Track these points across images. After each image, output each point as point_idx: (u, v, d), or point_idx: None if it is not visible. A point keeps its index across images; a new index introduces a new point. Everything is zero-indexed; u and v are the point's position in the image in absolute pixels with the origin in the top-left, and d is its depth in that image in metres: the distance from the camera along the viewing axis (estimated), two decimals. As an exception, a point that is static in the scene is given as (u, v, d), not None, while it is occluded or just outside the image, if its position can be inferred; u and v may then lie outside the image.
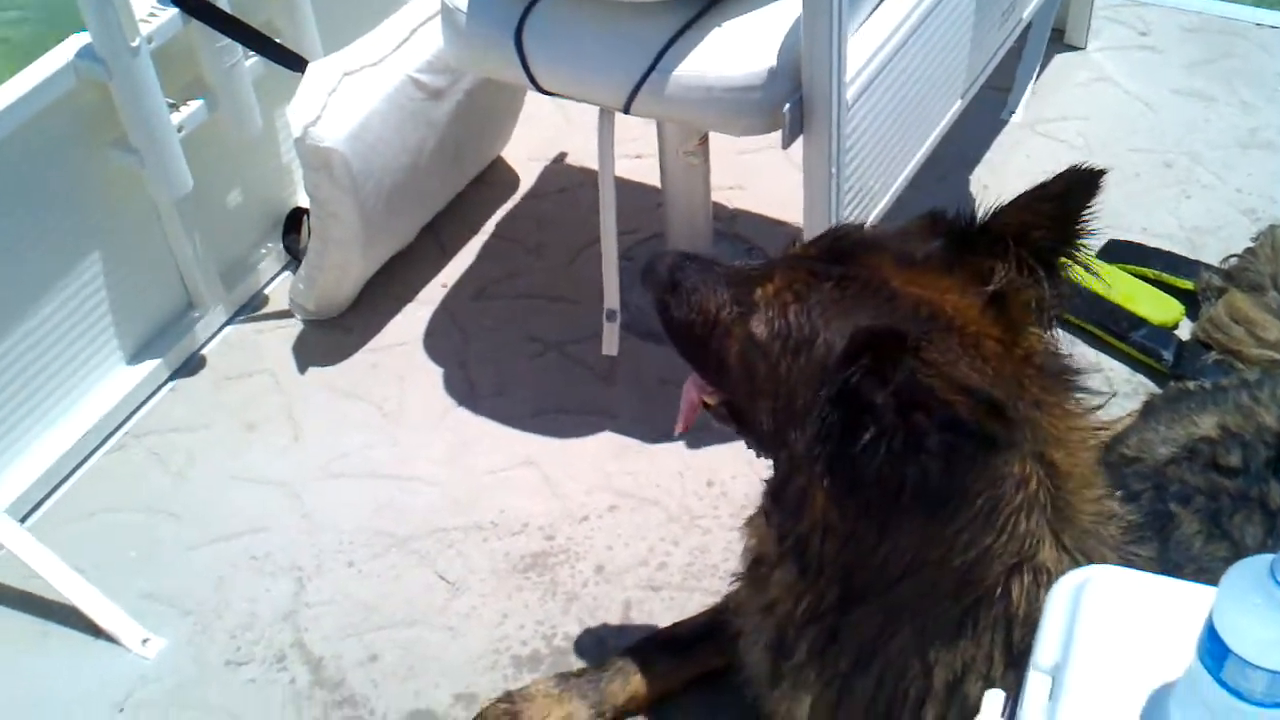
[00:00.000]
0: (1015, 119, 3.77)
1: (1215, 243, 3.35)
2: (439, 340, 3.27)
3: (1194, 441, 2.32)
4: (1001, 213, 1.76)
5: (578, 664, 2.58)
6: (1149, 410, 2.63)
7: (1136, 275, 3.23)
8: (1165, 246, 3.33)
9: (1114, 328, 3.10)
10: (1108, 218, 3.46)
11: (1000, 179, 3.60)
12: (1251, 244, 3.15)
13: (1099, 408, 1.81)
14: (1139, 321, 3.09)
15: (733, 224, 3.52)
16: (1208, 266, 3.19)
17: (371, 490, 2.95)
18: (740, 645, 2.11)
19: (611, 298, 2.93)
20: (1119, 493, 1.97)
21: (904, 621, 1.76)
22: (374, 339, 3.29)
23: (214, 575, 2.80)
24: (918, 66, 2.77)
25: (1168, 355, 3.00)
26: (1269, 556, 1.23)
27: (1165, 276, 3.22)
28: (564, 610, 2.68)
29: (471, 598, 2.72)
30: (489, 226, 3.58)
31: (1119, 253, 3.29)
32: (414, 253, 3.45)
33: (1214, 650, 1.23)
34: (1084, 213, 1.76)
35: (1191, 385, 2.66)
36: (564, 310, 3.30)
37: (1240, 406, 2.36)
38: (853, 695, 1.83)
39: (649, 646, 2.49)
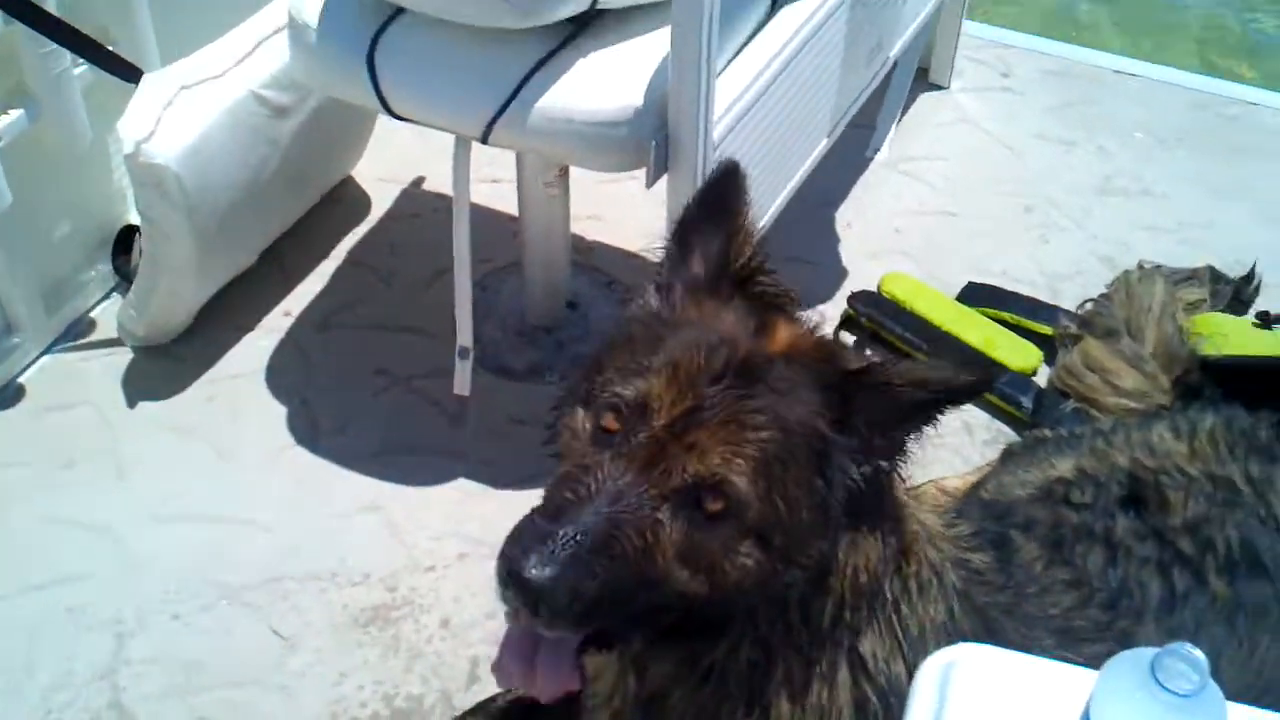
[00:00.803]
0: (880, 157, 3.70)
1: (1073, 288, 3.35)
2: (280, 373, 3.09)
3: (1050, 483, 2.34)
4: (724, 258, 1.68)
5: (420, 727, 2.44)
6: (1007, 457, 2.62)
7: (995, 319, 3.22)
8: (1024, 291, 3.32)
9: (918, 341, 3.11)
10: (968, 260, 3.53)
11: (864, 217, 3.57)
12: (1105, 290, 3.16)
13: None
14: (998, 368, 3.06)
15: (590, 255, 3.41)
16: (1065, 313, 3.19)
17: (202, 535, 2.76)
18: None
19: (464, 334, 2.79)
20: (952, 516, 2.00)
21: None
22: (210, 370, 3.09)
23: (25, 628, 2.57)
24: (786, 105, 2.70)
25: (1027, 403, 2.98)
26: (1150, 651, 1.17)
27: (1024, 321, 3.21)
28: (407, 668, 2.53)
29: (307, 655, 2.55)
30: (338, 252, 3.41)
31: (978, 296, 3.28)
32: (255, 277, 3.26)
33: (1089, 749, 1.18)
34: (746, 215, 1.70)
35: (1049, 433, 2.65)
36: (414, 342, 3.15)
37: (1095, 451, 2.37)
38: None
39: (494, 714, 2.35)
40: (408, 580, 2.68)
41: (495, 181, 3.39)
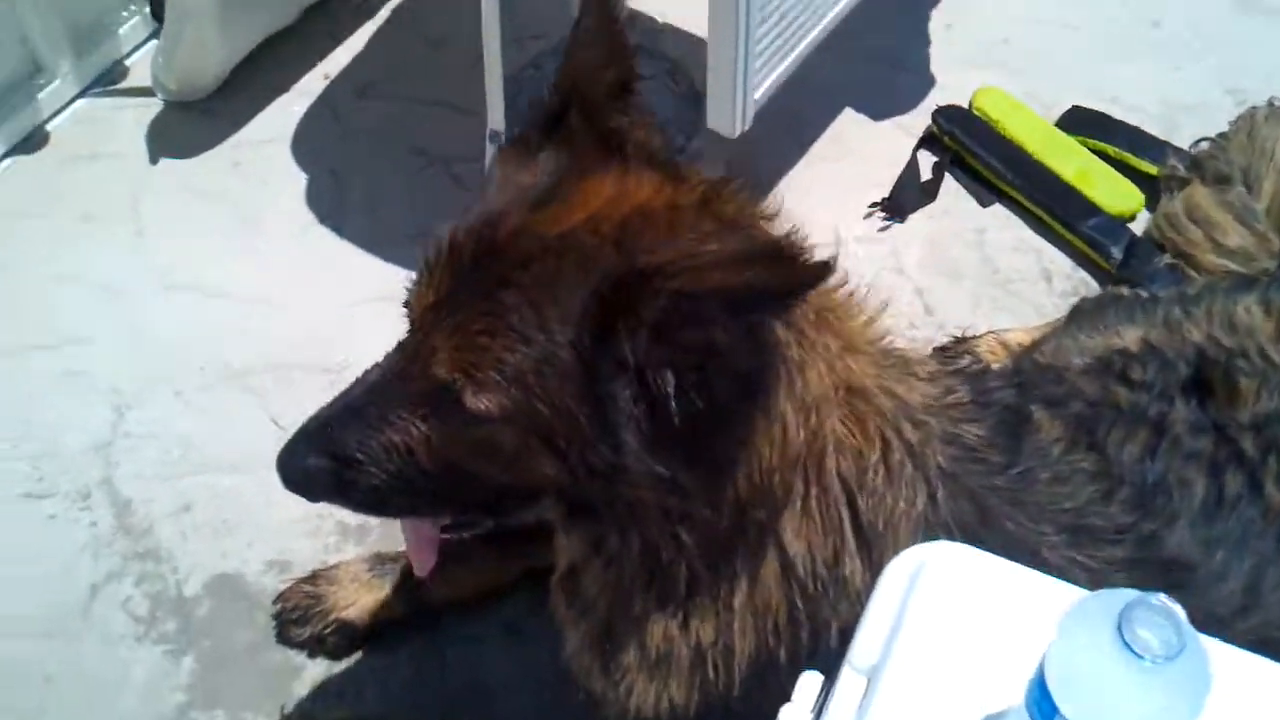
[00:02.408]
0: (998, -48, 3.34)
1: (1192, 123, 2.97)
2: (312, 141, 2.90)
3: (1110, 353, 2.05)
4: (563, 79, 1.47)
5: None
6: (1075, 315, 2.36)
7: (1097, 152, 2.89)
8: (1136, 122, 2.96)
9: (1062, 212, 2.77)
10: (1078, 81, 3.18)
11: (966, 19, 3.20)
12: (1227, 129, 2.79)
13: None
14: (1091, 208, 2.76)
15: (657, 40, 3.12)
16: (1176, 151, 2.84)
17: (213, 309, 2.63)
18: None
19: (495, 115, 2.56)
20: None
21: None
22: (241, 131, 2.92)
23: (22, 390, 2.51)
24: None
25: (1117, 252, 2.69)
26: (1121, 596, 0.96)
27: (1128, 157, 2.87)
28: (404, 473, 2.41)
29: (304, 447, 2.44)
30: (386, 10, 3.16)
31: (1081, 123, 2.94)
32: (299, 34, 3.04)
33: (1042, 706, 1.00)
34: (621, 27, 1.48)
35: (1126, 291, 2.37)
36: (458, 120, 2.92)
37: (1169, 321, 2.08)
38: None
39: (477, 537, 2.22)
40: (417, 380, 2.53)
41: (563, -53, 3.08)
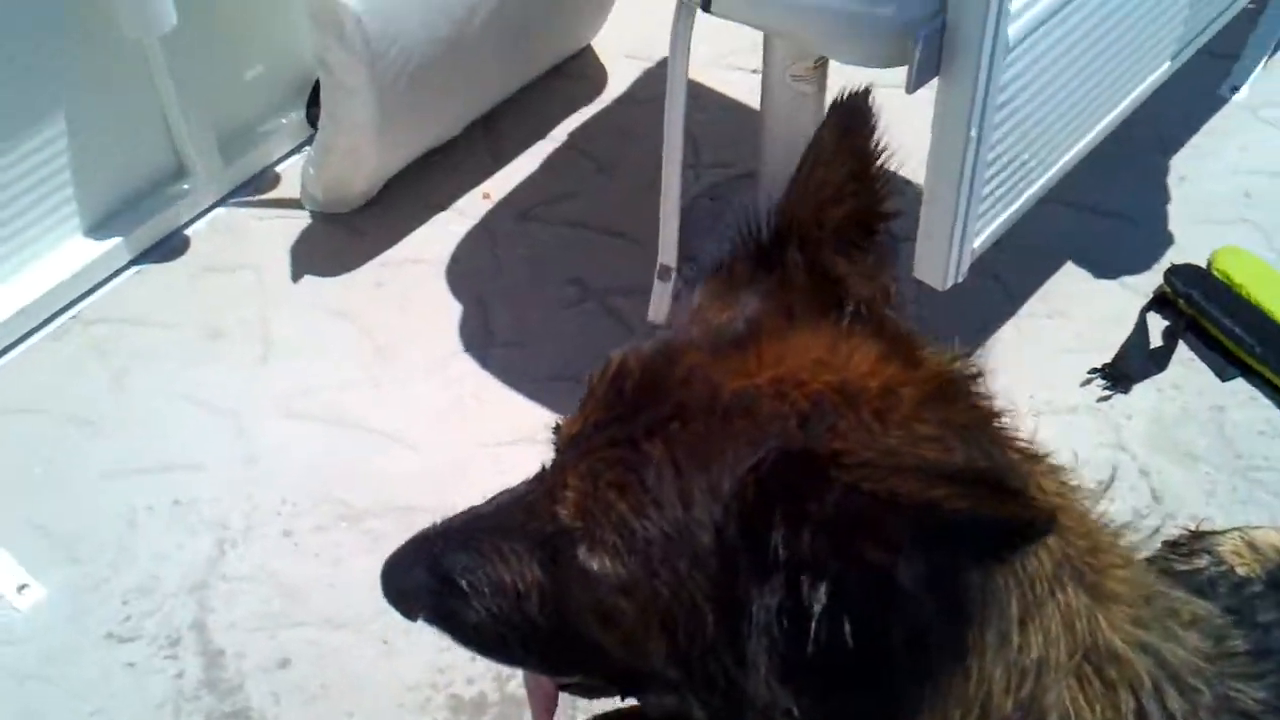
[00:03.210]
0: (1238, 97, 3.00)
1: None
2: (463, 265, 2.66)
3: None
4: (783, 207, 1.19)
5: (529, 723, 1.99)
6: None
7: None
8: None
9: (1252, 343, 2.41)
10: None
11: (1204, 172, 2.84)
12: None
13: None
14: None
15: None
16: None
17: (336, 441, 2.38)
18: None
19: (667, 250, 2.30)
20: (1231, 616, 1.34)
21: None
22: (387, 250, 2.69)
23: (124, 515, 2.28)
24: (1114, 6, 2.04)
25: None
26: None
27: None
28: (531, 645, 2.09)
29: (421, 606, 2.14)
30: (558, 133, 2.94)
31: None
32: (459, 152, 2.84)
33: None
34: (869, 154, 1.17)
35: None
36: (622, 250, 2.66)
37: None
38: None
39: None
40: (556, 538, 2.22)
41: (754, 71, 2.82)
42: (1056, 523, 0.93)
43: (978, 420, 1.10)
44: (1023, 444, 1.13)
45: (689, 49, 2.12)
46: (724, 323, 1.17)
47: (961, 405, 1.10)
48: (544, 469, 1.21)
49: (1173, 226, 2.70)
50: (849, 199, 1.17)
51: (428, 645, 2.08)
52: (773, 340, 1.13)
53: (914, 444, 1.03)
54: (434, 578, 1.26)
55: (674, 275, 2.32)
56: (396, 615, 2.08)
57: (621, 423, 1.13)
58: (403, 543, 1.34)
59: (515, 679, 2.03)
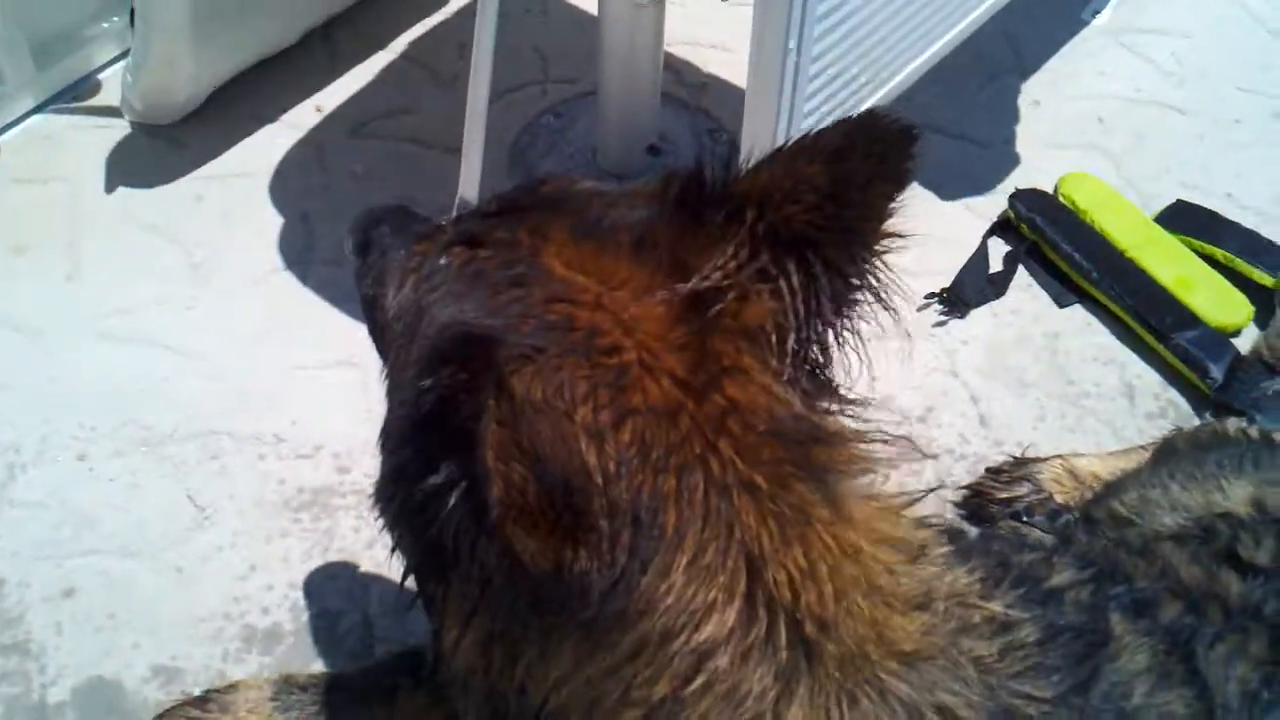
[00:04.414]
0: (1098, 21, 2.95)
1: (1318, 227, 2.53)
2: (289, 179, 2.54)
3: (1213, 517, 1.66)
4: (755, 171, 1.11)
5: (324, 654, 1.92)
6: (1166, 453, 1.92)
7: (1201, 255, 2.44)
8: (1248, 223, 2.51)
9: (1153, 320, 2.32)
10: (1183, 172, 2.74)
11: (1059, 95, 2.79)
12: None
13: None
14: (1189, 318, 2.31)
15: (701, 93, 2.74)
16: (1298, 260, 2.39)
17: (143, 362, 2.26)
18: None
19: (469, 181, 2.21)
20: (1019, 589, 1.28)
21: None
22: (210, 163, 2.57)
23: (-92, 436, 2.15)
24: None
25: (1216, 371, 2.23)
26: None
27: (1238, 263, 2.43)
28: (332, 574, 2.01)
29: (219, 533, 2.05)
30: (399, 43, 2.82)
31: (1184, 221, 2.50)
32: (292, 62, 2.71)
33: None
34: (871, 193, 1.09)
35: (1233, 427, 1.92)
36: (458, 169, 2.53)
37: (1292, 477, 1.65)
38: None
39: (407, 666, 1.80)
40: (365, 463, 2.13)
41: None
42: (557, 575, 0.94)
43: (735, 458, 1.01)
44: (800, 502, 1.04)
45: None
46: (610, 211, 1.15)
47: (722, 435, 1.01)
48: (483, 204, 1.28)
49: (1022, 150, 2.64)
50: (815, 211, 1.07)
51: (223, 575, 2.00)
52: (609, 252, 1.10)
53: (586, 431, 0.98)
54: (366, 235, 1.38)
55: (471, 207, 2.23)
56: (192, 544, 2.02)
57: (482, 219, 1.20)
58: (382, 207, 1.43)
59: (311, 610, 1.97)
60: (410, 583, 1.19)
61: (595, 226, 1.12)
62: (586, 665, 1.03)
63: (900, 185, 1.09)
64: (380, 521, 1.14)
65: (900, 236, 1.10)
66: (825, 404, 1.10)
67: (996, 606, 1.18)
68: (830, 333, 1.10)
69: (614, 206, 1.15)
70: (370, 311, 1.33)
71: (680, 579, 0.99)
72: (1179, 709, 1.28)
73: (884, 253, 1.10)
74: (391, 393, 1.23)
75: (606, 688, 1.04)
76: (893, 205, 1.09)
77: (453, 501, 0.95)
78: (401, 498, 1.01)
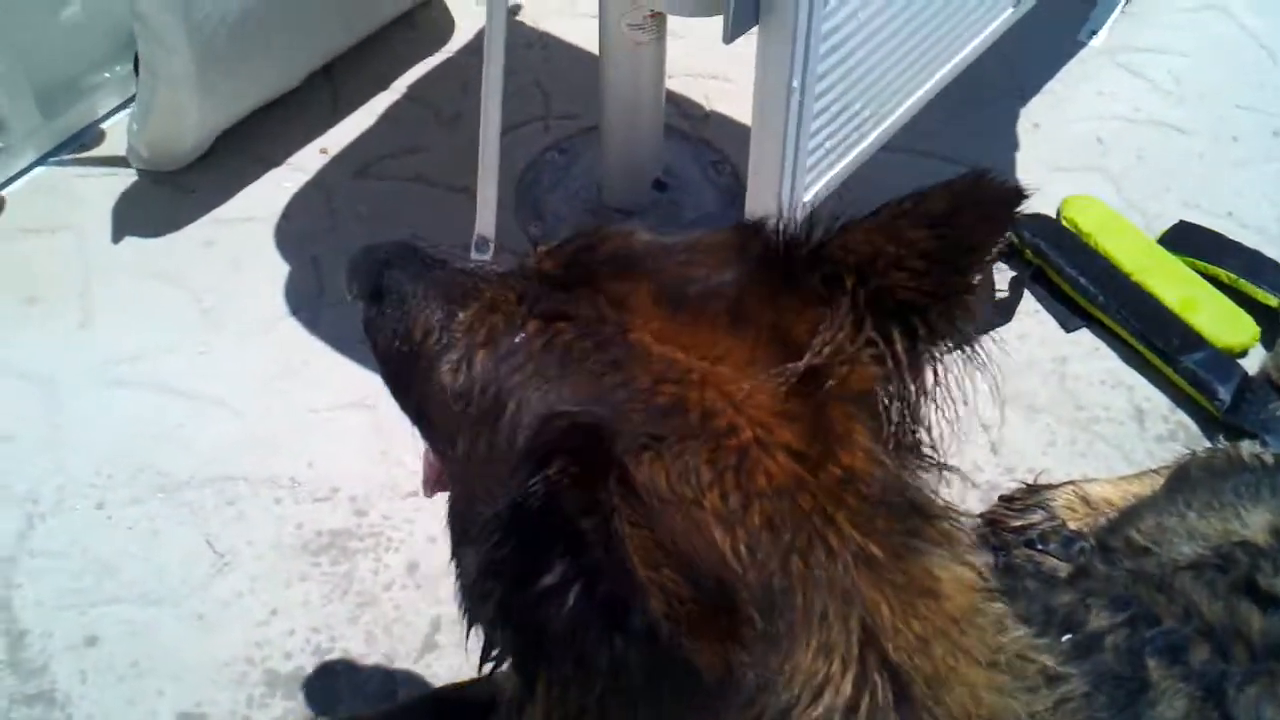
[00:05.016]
0: (1095, 42, 2.98)
1: (1320, 246, 2.55)
2: (296, 222, 2.56)
3: (1231, 545, 1.66)
4: (848, 231, 1.08)
5: (346, 697, 1.92)
6: (1181, 480, 1.92)
7: (1205, 275, 2.46)
8: (1251, 242, 2.53)
9: (1160, 343, 2.34)
10: (1185, 192, 2.75)
11: (1058, 118, 2.81)
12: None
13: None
14: (1196, 339, 2.33)
15: (703, 125, 2.76)
16: (1303, 278, 2.41)
17: (157, 409, 2.27)
18: None
19: (484, 219, 2.21)
20: (1067, 636, 1.33)
21: None
22: (218, 208, 2.59)
23: (-73, 489, 2.16)
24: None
25: (1224, 393, 2.25)
26: None
27: (1242, 283, 2.45)
28: (352, 617, 2.01)
29: (239, 579, 2.05)
30: (400, 84, 2.84)
31: (1188, 242, 2.52)
32: (296, 106, 2.73)
33: None
34: (979, 254, 1.07)
35: (1247, 451, 1.93)
36: (464, 206, 2.53)
37: (1310, 506, 1.65)
38: None
39: (431, 709, 1.83)
40: (382, 505, 2.15)
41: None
42: (729, 678, 0.88)
43: (851, 531, 0.98)
44: (907, 572, 1.02)
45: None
46: (693, 274, 1.10)
47: (840, 507, 0.99)
48: (508, 271, 1.21)
49: (1023, 174, 2.65)
50: (920, 276, 1.06)
51: (245, 620, 2.00)
52: (705, 323, 1.06)
53: (716, 516, 0.95)
54: (377, 280, 1.26)
55: (491, 246, 2.24)
56: (213, 590, 2.03)
57: (545, 284, 1.13)
58: (389, 243, 1.33)
59: (334, 653, 1.97)
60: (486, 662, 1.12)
61: (681, 295, 1.07)
62: None
63: (1000, 243, 1.08)
64: (467, 611, 1.11)
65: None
66: (915, 468, 1.08)
67: (1049, 660, 1.16)
68: (924, 398, 1.09)
69: (691, 267, 1.10)
70: (396, 366, 1.26)
71: (808, 657, 0.96)
72: None
73: (979, 314, 1.09)
74: (469, 479, 1.13)
75: None
76: (992, 266, 1.08)
77: (571, 600, 0.90)
78: (503, 592, 0.97)
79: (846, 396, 1.02)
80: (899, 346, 1.04)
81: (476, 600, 1.04)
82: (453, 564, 1.16)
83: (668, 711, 0.94)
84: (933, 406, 1.10)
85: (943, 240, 1.05)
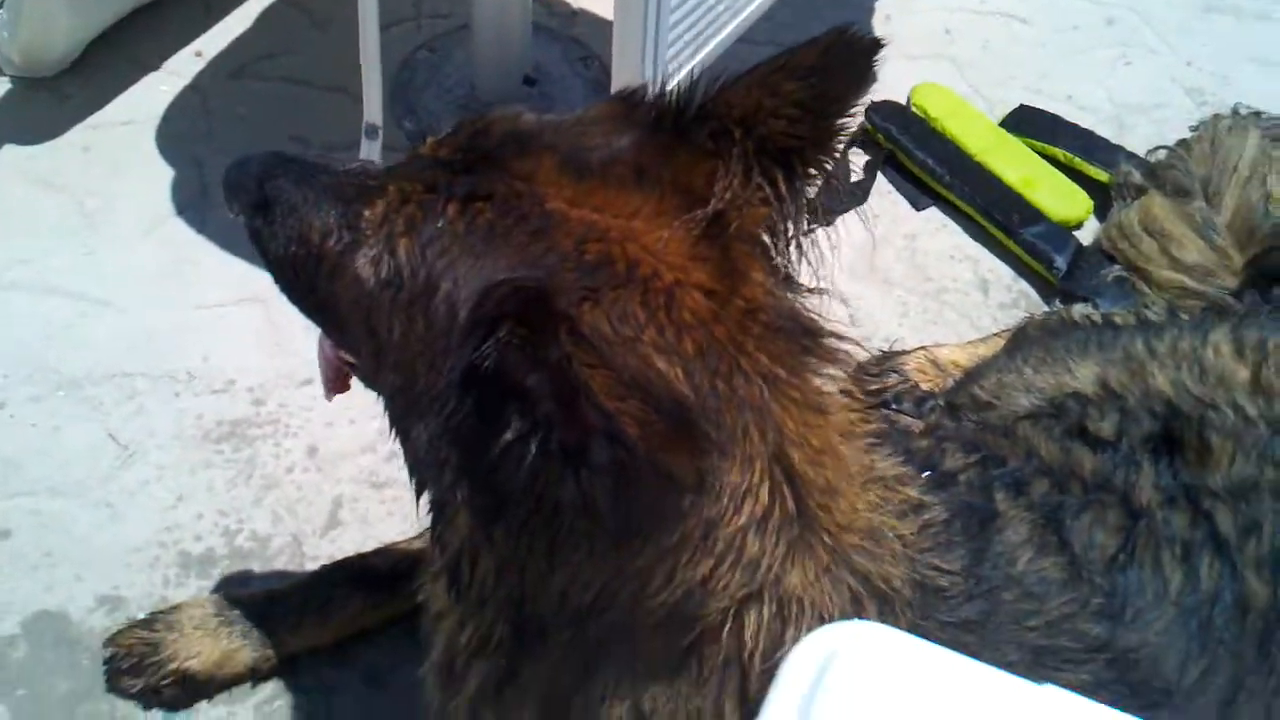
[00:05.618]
0: (942, -63, 3.11)
1: (1148, 125, 2.76)
2: (176, 124, 2.61)
3: (1064, 396, 1.83)
4: (728, 90, 1.22)
5: (258, 574, 2.03)
6: (1020, 341, 2.11)
7: (1043, 155, 2.65)
8: (1087, 123, 2.73)
9: (1002, 218, 2.52)
10: (1026, 79, 2.94)
11: (907, 9, 2.97)
12: (1188, 135, 2.55)
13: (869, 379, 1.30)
14: (1035, 214, 2.52)
15: (569, 23, 2.85)
16: (1130, 157, 2.61)
17: (48, 310, 2.33)
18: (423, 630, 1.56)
19: (372, 107, 2.28)
20: (926, 473, 1.47)
21: (604, 665, 1.25)
22: (95, 113, 2.62)
23: None
24: None
25: (1061, 262, 2.44)
26: None
27: (1077, 162, 2.64)
28: (257, 500, 2.12)
29: (144, 469, 2.14)
30: (271, -14, 2.88)
31: (1028, 124, 2.71)
32: (169, 10, 2.76)
33: None
34: (846, 101, 1.23)
35: (1078, 313, 2.13)
36: (341, 105, 2.63)
37: (1130, 358, 1.86)
38: None
39: (340, 578, 1.94)
40: (278, 394, 2.24)
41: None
42: (701, 487, 1.04)
43: (756, 352, 1.13)
44: (800, 387, 1.16)
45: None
46: (591, 144, 1.21)
47: (747, 334, 1.13)
48: (391, 168, 1.28)
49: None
50: (795, 124, 1.19)
51: (153, 508, 2.09)
52: (612, 186, 1.18)
53: (657, 349, 1.07)
54: (260, 192, 1.31)
55: (380, 133, 2.31)
56: (119, 481, 2.11)
57: (450, 170, 1.20)
58: (259, 155, 1.36)
59: (242, 534, 2.07)
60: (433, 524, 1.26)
61: (584, 163, 1.18)
62: (637, 559, 1.12)
63: (866, 91, 1.22)
64: (417, 481, 1.22)
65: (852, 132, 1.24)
66: (796, 295, 1.22)
67: (912, 491, 1.34)
68: (800, 230, 1.23)
69: (586, 138, 1.21)
70: (294, 271, 1.31)
71: (735, 469, 1.10)
72: (1054, 574, 1.45)
73: (845, 150, 1.24)
74: (408, 360, 1.18)
75: (653, 576, 1.13)
76: (857, 109, 1.23)
77: (532, 450, 1.00)
78: (461, 455, 1.06)
79: (743, 237, 1.16)
80: (783, 187, 1.19)
81: (430, 468, 1.14)
82: (395, 440, 1.26)
83: (634, 532, 1.08)
84: (808, 240, 1.25)
85: (814, 90, 1.20)
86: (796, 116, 1.19)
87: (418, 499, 1.24)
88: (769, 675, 1.17)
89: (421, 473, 1.22)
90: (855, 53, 1.22)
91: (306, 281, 1.30)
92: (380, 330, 1.21)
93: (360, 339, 1.26)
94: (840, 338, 1.22)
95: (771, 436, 1.13)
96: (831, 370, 1.20)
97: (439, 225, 1.16)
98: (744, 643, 1.19)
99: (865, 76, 1.22)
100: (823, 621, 1.19)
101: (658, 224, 1.14)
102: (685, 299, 1.10)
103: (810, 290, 1.24)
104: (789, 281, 1.22)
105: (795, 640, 1.17)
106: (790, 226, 1.22)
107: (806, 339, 1.18)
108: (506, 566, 1.17)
